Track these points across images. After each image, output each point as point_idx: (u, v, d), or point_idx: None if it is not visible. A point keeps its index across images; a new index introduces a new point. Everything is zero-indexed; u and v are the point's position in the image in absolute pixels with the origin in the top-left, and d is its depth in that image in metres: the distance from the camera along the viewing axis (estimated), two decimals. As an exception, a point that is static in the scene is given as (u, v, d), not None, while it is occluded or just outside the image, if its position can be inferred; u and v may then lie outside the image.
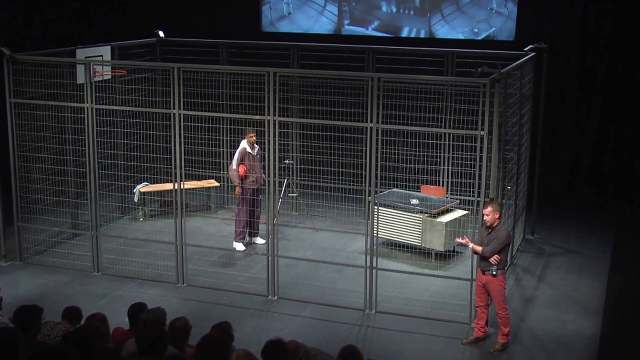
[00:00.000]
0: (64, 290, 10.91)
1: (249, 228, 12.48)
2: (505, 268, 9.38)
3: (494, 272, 9.13)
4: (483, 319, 9.43)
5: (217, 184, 14.11)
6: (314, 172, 12.50)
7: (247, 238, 12.56)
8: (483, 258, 9.25)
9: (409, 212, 12.04)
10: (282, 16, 16.61)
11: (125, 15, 16.83)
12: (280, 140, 10.81)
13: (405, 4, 15.79)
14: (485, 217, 9.22)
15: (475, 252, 9.41)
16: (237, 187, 12.16)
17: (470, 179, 10.77)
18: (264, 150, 10.76)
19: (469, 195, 11.65)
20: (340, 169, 12.13)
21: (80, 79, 11.43)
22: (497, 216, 9.19)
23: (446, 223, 11.73)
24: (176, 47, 13.60)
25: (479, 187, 9.89)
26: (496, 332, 9.43)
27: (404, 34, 15.83)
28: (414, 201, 12.20)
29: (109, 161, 11.82)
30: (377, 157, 10.04)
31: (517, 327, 9.87)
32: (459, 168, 11.80)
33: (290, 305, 10.50)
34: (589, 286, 11.29)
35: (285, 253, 11.34)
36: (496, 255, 9.11)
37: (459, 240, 9.56)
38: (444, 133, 11.90)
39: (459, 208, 12.33)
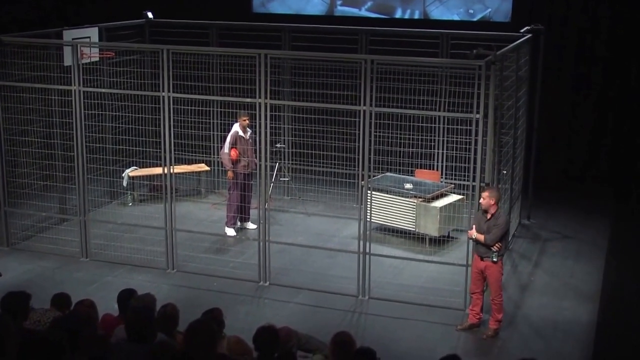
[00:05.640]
0: (52, 276, 10.82)
1: (240, 213, 12.36)
2: (504, 254, 9.29)
3: (494, 259, 9.07)
4: (478, 305, 9.35)
5: (207, 168, 14.02)
6: (306, 156, 12.47)
7: (239, 223, 12.46)
8: (482, 244, 9.15)
9: (402, 196, 11.94)
10: (273, -3, 16.41)
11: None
12: (272, 124, 10.69)
13: (399, -15, 15.60)
14: (481, 201, 9.20)
15: (477, 241, 9.26)
16: (228, 172, 12.06)
17: (465, 163, 10.70)
18: (256, 134, 10.63)
19: (464, 180, 11.61)
20: (333, 153, 12.14)
21: (68, 61, 11.27)
22: (492, 202, 9.10)
23: (441, 208, 11.63)
24: (165, 29, 13.37)
25: (474, 172, 9.80)
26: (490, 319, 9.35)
27: (398, 15, 15.68)
28: (408, 185, 12.09)
29: (97, 145, 11.69)
30: (370, 140, 9.94)
31: (512, 313, 9.81)
32: (454, 152, 11.80)
33: (282, 291, 10.42)
34: (585, 272, 11.22)
35: (277, 238, 11.23)
36: (498, 243, 9.04)
37: (469, 236, 9.36)
38: (439, 116, 11.86)
39: (454, 192, 12.25)
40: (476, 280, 9.31)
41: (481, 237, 9.14)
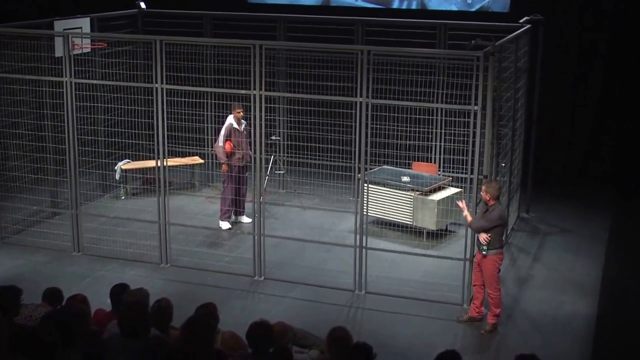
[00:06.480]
0: (44, 270, 10.72)
1: (235, 206, 12.25)
2: (501, 249, 9.15)
3: (484, 252, 9.00)
4: (478, 299, 9.28)
5: (201, 161, 13.93)
6: (302, 148, 12.43)
7: (233, 217, 12.35)
8: (472, 230, 9.21)
9: (399, 189, 11.85)
10: (269, -13, 16.28)
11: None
12: (267, 116, 10.61)
13: (396, -25, 15.49)
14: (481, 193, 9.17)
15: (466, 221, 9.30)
16: (223, 165, 11.97)
17: (463, 155, 10.60)
18: (250, 126, 10.52)
19: (462, 173, 11.54)
20: (329, 146, 12.15)
21: (59, 52, 11.16)
22: (487, 197, 9.01)
23: (438, 201, 11.53)
24: (158, 19, 13.33)
25: (472, 164, 9.72)
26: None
27: (395, 5, 15.57)
28: (405, 178, 12.01)
29: (89, 137, 11.59)
30: (367, 133, 9.85)
31: (511, 308, 9.72)
32: (452, 144, 11.71)
33: (277, 286, 10.34)
34: (585, 266, 11.13)
35: (272, 232, 11.13)
36: (484, 235, 8.97)
37: (458, 202, 9.43)
38: (436, 108, 11.79)
39: (452, 185, 12.17)
40: (476, 272, 9.28)
41: (469, 218, 9.20)
